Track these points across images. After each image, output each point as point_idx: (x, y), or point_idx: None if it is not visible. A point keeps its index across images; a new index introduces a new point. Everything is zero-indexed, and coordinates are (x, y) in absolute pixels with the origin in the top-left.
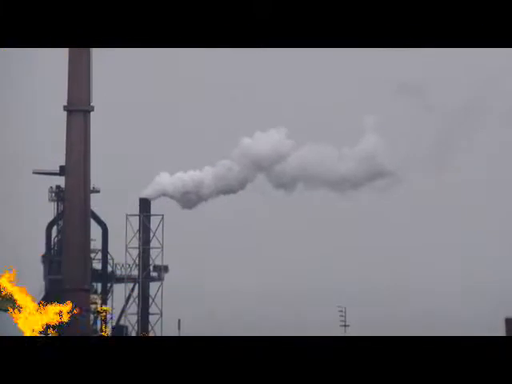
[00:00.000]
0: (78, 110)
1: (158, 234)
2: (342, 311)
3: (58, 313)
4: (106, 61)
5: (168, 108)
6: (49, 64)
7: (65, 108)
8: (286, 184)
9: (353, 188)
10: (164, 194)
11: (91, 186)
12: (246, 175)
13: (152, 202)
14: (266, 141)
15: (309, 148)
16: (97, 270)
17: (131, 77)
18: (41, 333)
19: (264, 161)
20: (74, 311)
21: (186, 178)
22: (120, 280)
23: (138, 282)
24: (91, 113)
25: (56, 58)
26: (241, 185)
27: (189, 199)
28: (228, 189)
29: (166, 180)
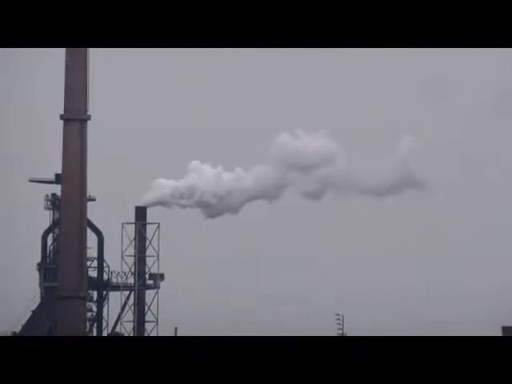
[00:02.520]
0: (75, 119)
1: (154, 242)
2: (339, 319)
3: None
4: (104, 66)
5: (170, 113)
6: (45, 72)
7: (61, 117)
8: (316, 191)
9: (385, 195)
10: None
11: (87, 195)
12: (284, 180)
13: (162, 209)
14: (311, 143)
15: (346, 152)
16: (92, 278)
17: (131, 80)
18: None
19: (310, 164)
20: None
21: (224, 182)
22: (116, 288)
23: (134, 290)
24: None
25: (53, 66)
26: (278, 191)
27: (218, 206)
28: (263, 195)
29: (198, 183)
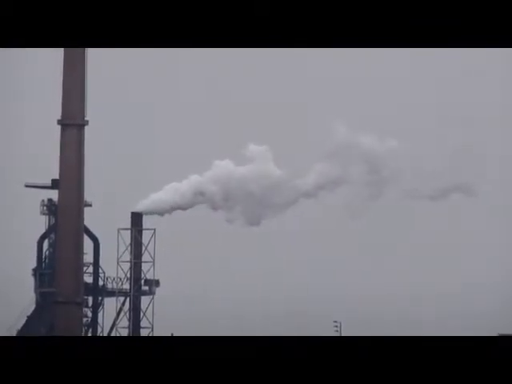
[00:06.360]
0: (73, 124)
1: (150, 247)
2: (337, 326)
3: None
4: (102, 72)
5: (170, 116)
6: (42, 76)
7: (59, 122)
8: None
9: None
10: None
11: (84, 200)
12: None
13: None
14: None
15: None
16: (88, 284)
17: (129, 85)
18: None
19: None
20: None
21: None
22: (111, 294)
23: (129, 296)
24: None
25: (51, 70)
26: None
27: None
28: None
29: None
